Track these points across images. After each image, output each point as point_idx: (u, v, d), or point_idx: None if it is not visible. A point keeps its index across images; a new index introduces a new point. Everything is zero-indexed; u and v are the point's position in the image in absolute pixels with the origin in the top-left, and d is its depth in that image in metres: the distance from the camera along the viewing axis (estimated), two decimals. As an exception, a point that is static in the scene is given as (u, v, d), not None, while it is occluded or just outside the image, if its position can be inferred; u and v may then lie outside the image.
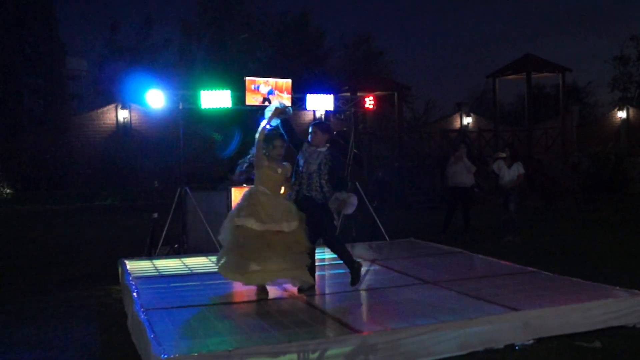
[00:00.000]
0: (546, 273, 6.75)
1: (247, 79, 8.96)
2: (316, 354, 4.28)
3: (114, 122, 22.35)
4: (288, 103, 6.20)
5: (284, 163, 6.27)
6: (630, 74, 32.82)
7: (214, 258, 8.11)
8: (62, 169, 21.12)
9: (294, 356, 4.23)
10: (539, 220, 13.59)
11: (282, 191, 6.29)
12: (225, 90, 8.81)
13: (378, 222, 9.73)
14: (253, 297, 6.19)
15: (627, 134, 25.95)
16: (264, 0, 26.36)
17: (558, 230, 11.82)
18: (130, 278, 6.72)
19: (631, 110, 26.65)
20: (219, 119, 17.79)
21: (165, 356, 4.07)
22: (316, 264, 7.81)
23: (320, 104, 9.54)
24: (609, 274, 7.27)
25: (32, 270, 8.82)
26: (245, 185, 9.40)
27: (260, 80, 9.03)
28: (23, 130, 21.50)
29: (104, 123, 22.41)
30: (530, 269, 7.00)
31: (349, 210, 6.33)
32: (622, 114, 26.47)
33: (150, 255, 8.61)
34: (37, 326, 5.80)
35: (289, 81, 9.20)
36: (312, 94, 9.45)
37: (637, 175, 21.38)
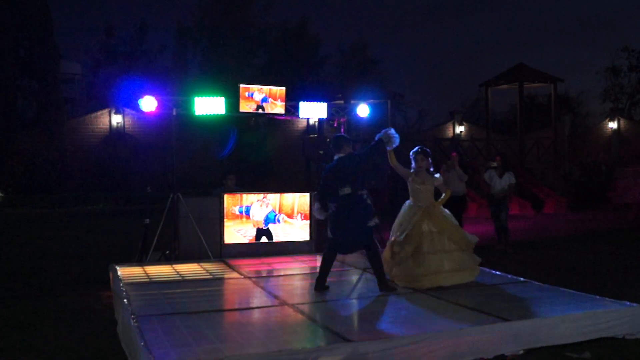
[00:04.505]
0: (537, 283, 6.77)
1: (241, 86, 8.97)
2: (306, 363, 4.28)
3: (107, 126, 22.33)
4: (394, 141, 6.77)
5: (435, 175, 6.89)
6: (622, 85, 33.10)
7: (205, 265, 8.16)
8: (55, 172, 21.04)
9: (285, 365, 4.22)
10: (530, 230, 13.64)
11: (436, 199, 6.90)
12: (219, 97, 8.82)
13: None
14: (244, 305, 6.20)
15: (618, 144, 26.14)
16: (263, 9, 26.34)
17: (549, 240, 11.87)
18: (121, 284, 6.69)
19: (622, 121, 26.87)
20: (214, 122, 17.80)
21: (155, 364, 4.05)
22: (308, 272, 7.84)
23: (313, 111, 9.56)
24: (599, 285, 7.31)
25: (23, 274, 8.78)
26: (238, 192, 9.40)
27: (254, 87, 9.04)
28: (16, 133, 21.41)
29: (97, 127, 22.37)
30: (521, 278, 7.02)
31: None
32: (613, 125, 26.68)
33: (141, 261, 8.58)
34: (27, 331, 5.78)
35: (283, 89, 9.22)
36: (304, 102, 9.47)
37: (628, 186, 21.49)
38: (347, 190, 6.39)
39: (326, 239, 6.66)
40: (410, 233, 6.66)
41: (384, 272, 6.56)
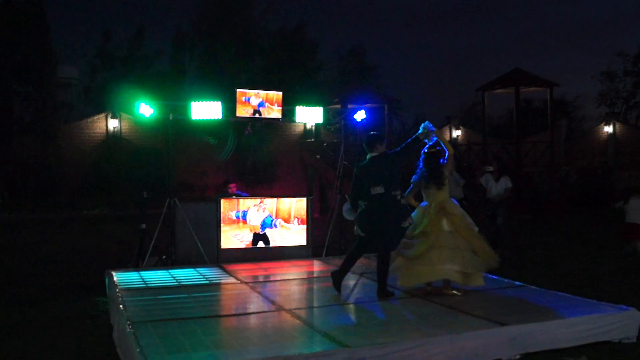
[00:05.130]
0: (533, 287, 6.78)
1: (238, 90, 8.98)
2: (303, 368, 4.27)
3: (104, 131, 22.29)
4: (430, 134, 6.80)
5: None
6: (617, 89, 33.26)
7: (202, 270, 8.14)
8: (51, 177, 20.98)
9: (281, 370, 4.22)
10: (527, 233, 13.66)
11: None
12: (215, 102, 8.82)
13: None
14: (241, 310, 6.18)
15: (614, 148, 26.22)
16: (261, 14, 26.35)
17: (545, 244, 11.88)
18: (117, 290, 6.67)
19: (617, 125, 26.93)
20: (212, 124, 17.82)
21: (152, 370, 4.04)
22: (305, 277, 7.83)
23: (309, 116, 9.57)
24: (595, 288, 7.32)
25: (18, 280, 8.75)
26: (235, 197, 9.40)
27: (251, 92, 9.05)
28: (12, 138, 21.37)
29: (94, 132, 22.33)
30: (518, 283, 7.02)
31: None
32: (608, 129, 26.75)
33: (137, 266, 8.56)
34: (22, 338, 5.75)
35: (280, 93, 9.22)
36: (301, 106, 9.47)
37: (623, 189, 21.56)
38: (379, 189, 6.32)
39: (353, 237, 6.58)
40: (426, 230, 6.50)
41: (387, 280, 6.46)
